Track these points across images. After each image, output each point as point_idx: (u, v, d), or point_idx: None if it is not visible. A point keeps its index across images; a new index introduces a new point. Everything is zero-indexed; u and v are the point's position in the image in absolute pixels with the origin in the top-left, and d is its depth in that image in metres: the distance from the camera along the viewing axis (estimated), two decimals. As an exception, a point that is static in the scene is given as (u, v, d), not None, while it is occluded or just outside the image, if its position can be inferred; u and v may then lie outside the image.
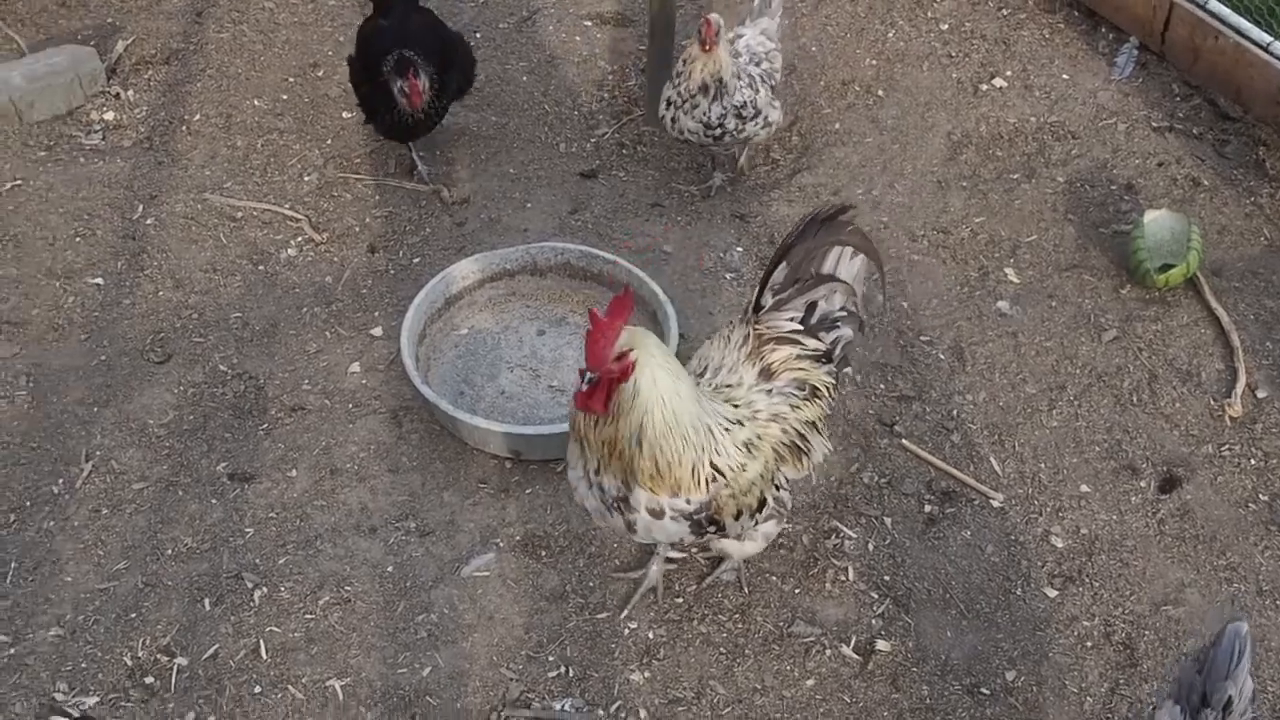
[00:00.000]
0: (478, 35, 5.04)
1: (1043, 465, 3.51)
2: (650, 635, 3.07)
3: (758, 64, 4.17)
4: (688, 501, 2.67)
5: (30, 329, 3.79)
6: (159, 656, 2.99)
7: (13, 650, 2.99)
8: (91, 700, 2.90)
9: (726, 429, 2.71)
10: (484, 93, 4.77)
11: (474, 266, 3.76)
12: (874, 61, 4.92)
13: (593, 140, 4.59)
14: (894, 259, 4.11)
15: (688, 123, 4.08)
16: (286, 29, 5.03)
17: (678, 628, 3.09)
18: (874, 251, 3.00)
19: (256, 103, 4.67)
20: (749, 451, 2.74)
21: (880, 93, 4.79)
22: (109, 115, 4.59)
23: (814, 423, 2.92)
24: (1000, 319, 3.94)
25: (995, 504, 3.41)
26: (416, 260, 4.06)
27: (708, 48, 3.93)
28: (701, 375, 2.88)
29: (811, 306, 2.92)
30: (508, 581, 3.17)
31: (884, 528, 3.35)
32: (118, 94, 4.67)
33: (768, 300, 2.88)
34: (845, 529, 3.33)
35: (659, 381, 2.54)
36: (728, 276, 4.04)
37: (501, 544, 3.25)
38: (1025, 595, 3.20)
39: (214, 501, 3.34)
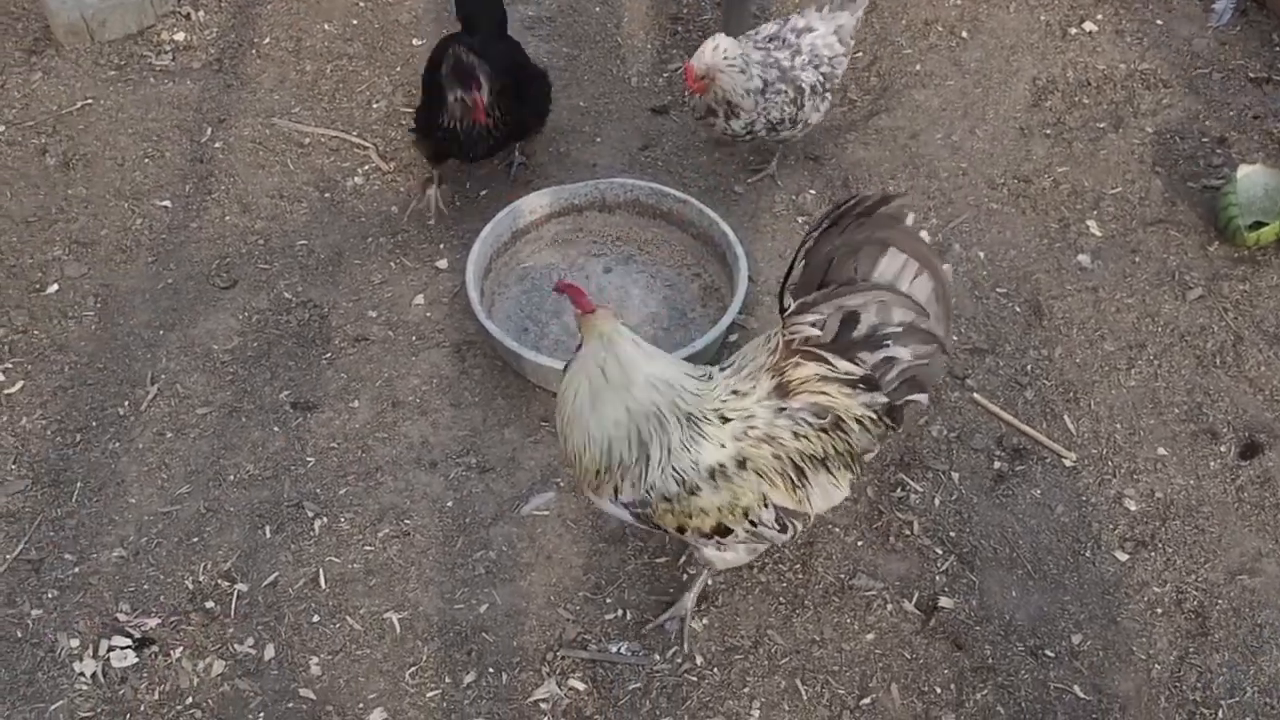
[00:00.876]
0: (549, -37, 4.93)
1: (1119, 426, 3.40)
2: (710, 582, 3.03)
3: (816, 67, 3.74)
4: (611, 501, 2.55)
5: (99, 249, 3.80)
6: (220, 581, 3.02)
7: (77, 569, 3.03)
8: (152, 622, 2.93)
9: (686, 447, 2.45)
10: (555, 23, 4.67)
11: (542, 201, 3.70)
12: (958, 1, 4.73)
13: (665, 75, 4.47)
14: (972, 207, 3.98)
15: (712, 131, 3.87)
16: (357, -48, 4.95)
17: (736, 575, 3.05)
18: (928, 257, 2.50)
19: (327, 27, 4.61)
20: (713, 479, 2.48)
21: (964, 34, 4.61)
22: (179, 36, 4.55)
23: (822, 459, 2.55)
24: (1080, 273, 3.80)
25: (1067, 463, 3.31)
26: (484, 192, 4.00)
27: (690, 93, 3.68)
28: (725, 369, 2.60)
29: (851, 318, 2.49)
30: (567, 522, 3.14)
31: (951, 483, 3.27)
32: (188, 14, 4.63)
33: (789, 302, 2.51)
34: (912, 483, 3.26)
35: (587, 368, 2.42)
36: (799, 220, 3.93)
37: (561, 483, 3.22)
38: (1095, 558, 3.12)
39: (276, 429, 3.34)
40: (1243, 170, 3.88)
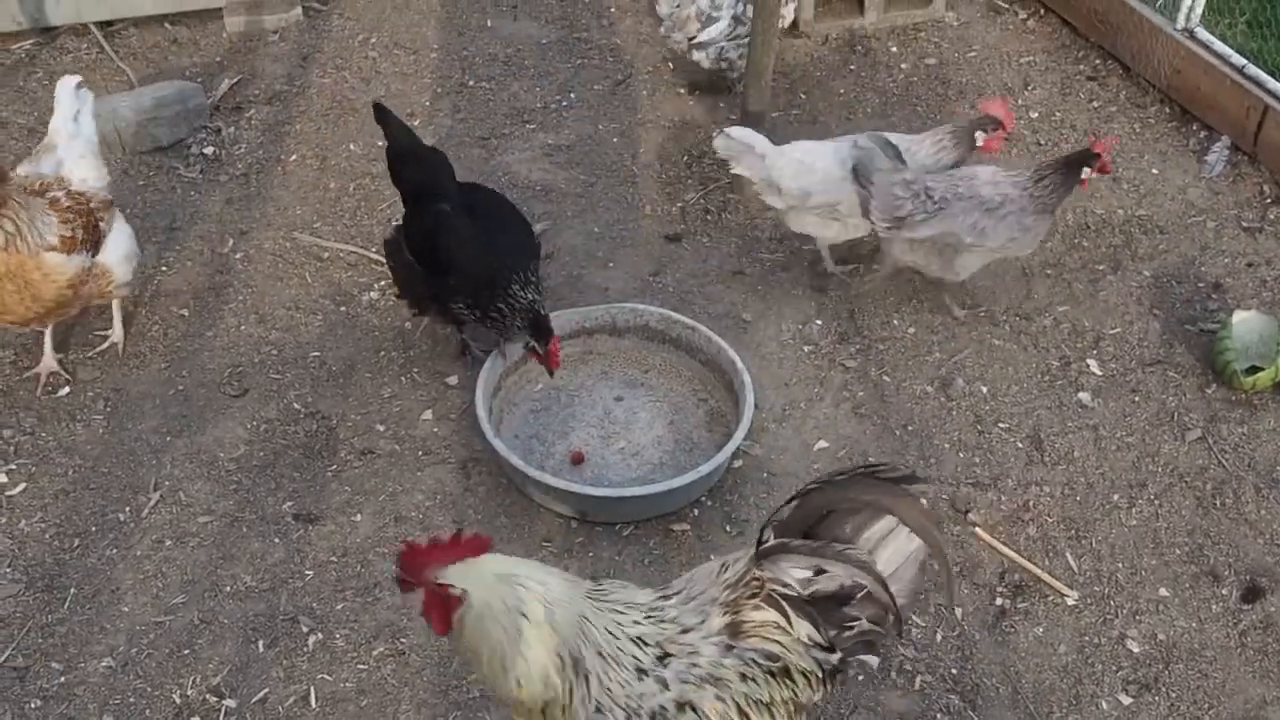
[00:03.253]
0: (572, 95, 5.12)
1: (1120, 565, 3.40)
2: (707, 712, 2.98)
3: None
4: None
5: (113, 355, 3.85)
6: (208, 696, 2.98)
7: (63, 679, 2.99)
8: (139, 737, 2.89)
9: (623, 686, 2.26)
10: (573, 151, 4.82)
11: (553, 323, 3.76)
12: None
13: (679, 205, 4.59)
14: (975, 343, 4.05)
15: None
16: (387, 78, 5.14)
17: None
18: (935, 537, 2.37)
19: (352, 147, 4.76)
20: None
21: (968, 175, 4.75)
22: (209, 150, 4.70)
23: (769, 704, 2.36)
24: (1081, 410, 3.84)
25: (1070, 602, 3.30)
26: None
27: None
28: (671, 596, 2.41)
29: (821, 574, 2.35)
30: (565, 644, 3.11)
31: (953, 618, 3.25)
32: (219, 130, 4.79)
33: (768, 536, 2.36)
34: (913, 616, 3.24)
35: (489, 633, 2.20)
36: (805, 349, 4.00)
37: (561, 605, 3.20)
38: (1098, 700, 3.08)
39: (276, 541, 3.34)
40: (1238, 316, 3.95)
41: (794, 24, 5.37)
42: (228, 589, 3.20)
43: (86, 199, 3.63)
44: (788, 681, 2.36)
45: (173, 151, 4.69)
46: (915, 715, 3.02)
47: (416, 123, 4.89)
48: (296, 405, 3.73)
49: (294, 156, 4.72)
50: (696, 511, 3.47)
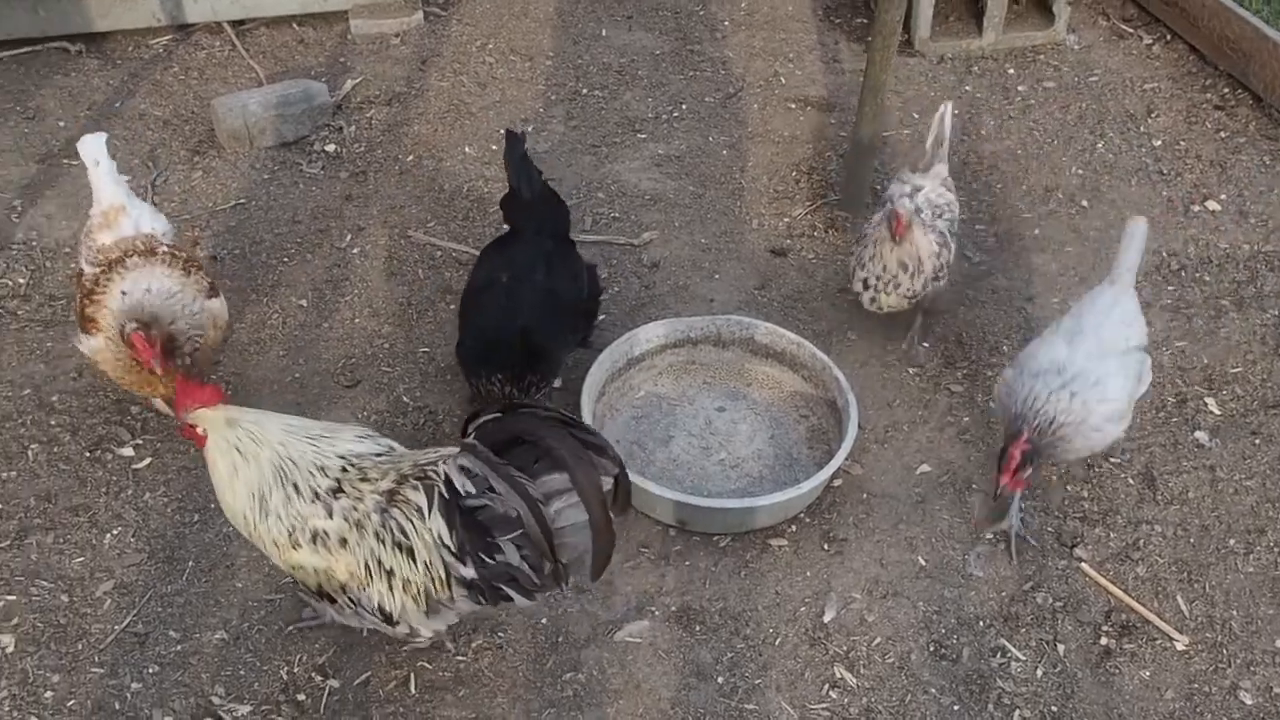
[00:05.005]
0: (683, 106, 5.15)
1: (1235, 612, 3.29)
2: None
3: (940, 215, 3.86)
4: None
5: (235, 339, 3.98)
6: (313, 675, 3.06)
7: (179, 647, 3.10)
8: (245, 709, 2.97)
9: (293, 507, 2.68)
10: (684, 162, 4.85)
11: (659, 331, 3.79)
12: (1080, 170, 4.80)
13: (786, 220, 4.59)
14: (1087, 374, 3.96)
15: (891, 300, 3.79)
16: (503, 84, 5.23)
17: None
18: (596, 509, 2.52)
19: (467, 150, 4.86)
20: (314, 541, 2.66)
21: (1084, 202, 4.66)
22: (330, 148, 4.84)
23: (390, 572, 2.64)
24: (1197, 450, 3.73)
25: (1179, 646, 3.20)
26: (602, 317, 4.12)
27: (898, 240, 3.67)
28: (382, 455, 2.76)
29: (488, 493, 2.56)
30: (659, 652, 3.13)
31: (1055, 654, 3.18)
32: (341, 128, 4.93)
33: (470, 432, 2.63)
34: (1014, 649, 3.17)
35: (217, 464, 2.74)
36: (910, 371, 3.95)
37: (656, 613, 3.22)
38: (1204, 750, 2.99)
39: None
40: (1371, 361, 3.81)
41: (908, 42, 5.34)
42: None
43: (181, 249, 3.55)
44: (412, 564, 2.65)
45: (296, 147, 4.84)
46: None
47: (530, 128, 4.98)
48: (405, 399, 3.82)
49: (411, 157, 4.83)
50: (794, 528, 3.46)
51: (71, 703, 2.97)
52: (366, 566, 2.67)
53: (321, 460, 2.71)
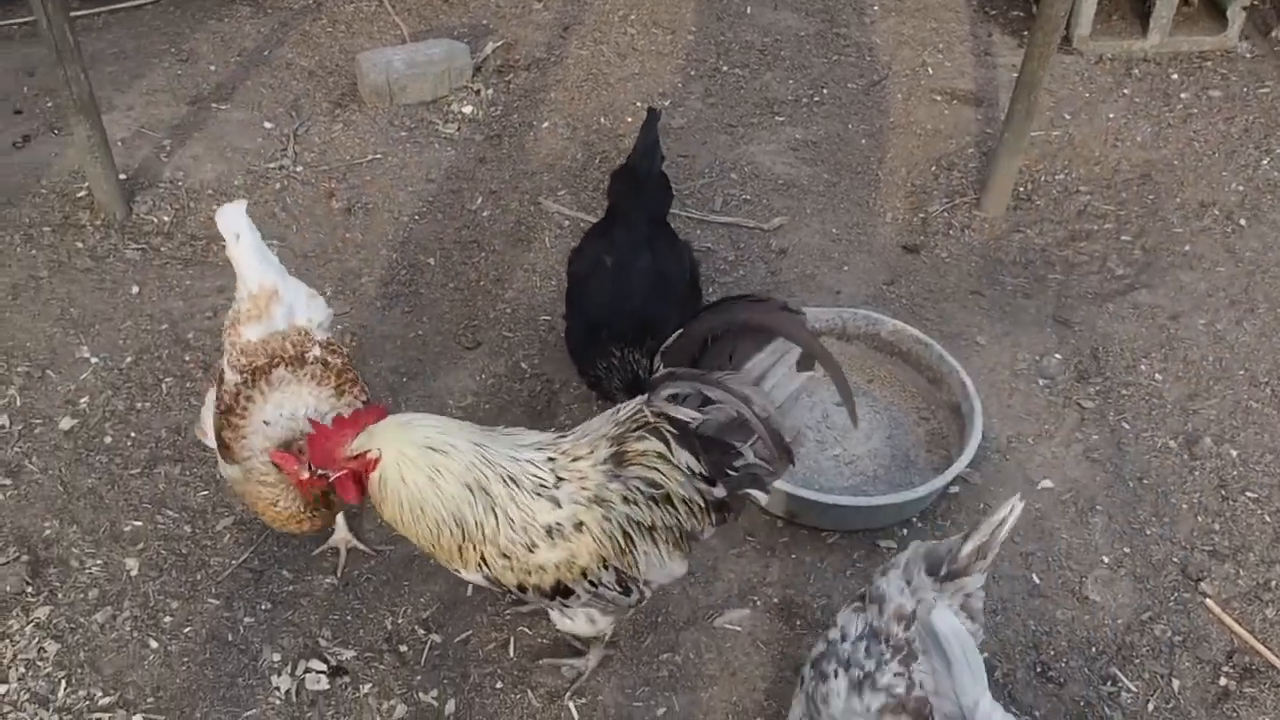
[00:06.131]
0: (824, 91, 5.05)
1: (1368, 667, 3.11)
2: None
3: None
4: (458, 571, 2.61)
5: (363, 293, 4.07)
6: (416, 628, 3.11)
7: (291, 587, 3.19)
8: (349, 654, 3.05)
9: (519, 508, 2.49)
10: (820, 148, 4.76)
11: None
12: (1240, 187, 4.56)
13: (921, 215, 4.47)
14: (1230, 402, 3.77)
15: None
16: (642, 55, 5.21)
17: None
18: (819, 348, 2.50)
19: (602, 120, 4.85)
20: (550, 536, 2.50)
21: (1242, 221, 4.43)
22: (467, 109, 4.89)
23: (650, 528, 2.54)
24: (1342, 492, 3.54)
25: (1303, 696, 3.05)
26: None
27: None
28: (566, 436, 2.62)
29: (708, 408, 2.48)
30: (758, 642, 3.10)
31: (1169, 690, 3.05)
32: (479, 91, 4.97)
33: (659, 366, 2.54)
34: (1125, 679, 3.06)
35: (406, 478, 2.46)
36: (1040, 382, 3.83)
37: (758, 602, 3.19)
38: (1322, 808, 2.84)
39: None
40: None
41: (1066, 39, 5.13)
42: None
43: (337, 346, 3.06)
44: (669, 508, 2.54)
45: (434, 107, 4.90)
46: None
47: (667, 103, 4.95)
48: (524, 365, 3.85)
49: (546, 124, 4.85)
50: (905, 531, 3.38)
51: (188, 629, 3.09)
52: (623, 535, 2.55)
53: (521, 453, 2.55)
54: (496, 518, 2.49)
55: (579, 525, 2.52)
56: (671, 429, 2.51)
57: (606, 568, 2.57)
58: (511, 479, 2.50)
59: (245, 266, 2.92)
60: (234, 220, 2.91)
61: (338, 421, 2.52)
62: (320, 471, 2.53)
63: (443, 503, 2.47)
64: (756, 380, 2.52)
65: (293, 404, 2.80)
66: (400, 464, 2.45)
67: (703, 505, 2.56)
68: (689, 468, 2.52)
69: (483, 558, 2.53)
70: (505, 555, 2.52)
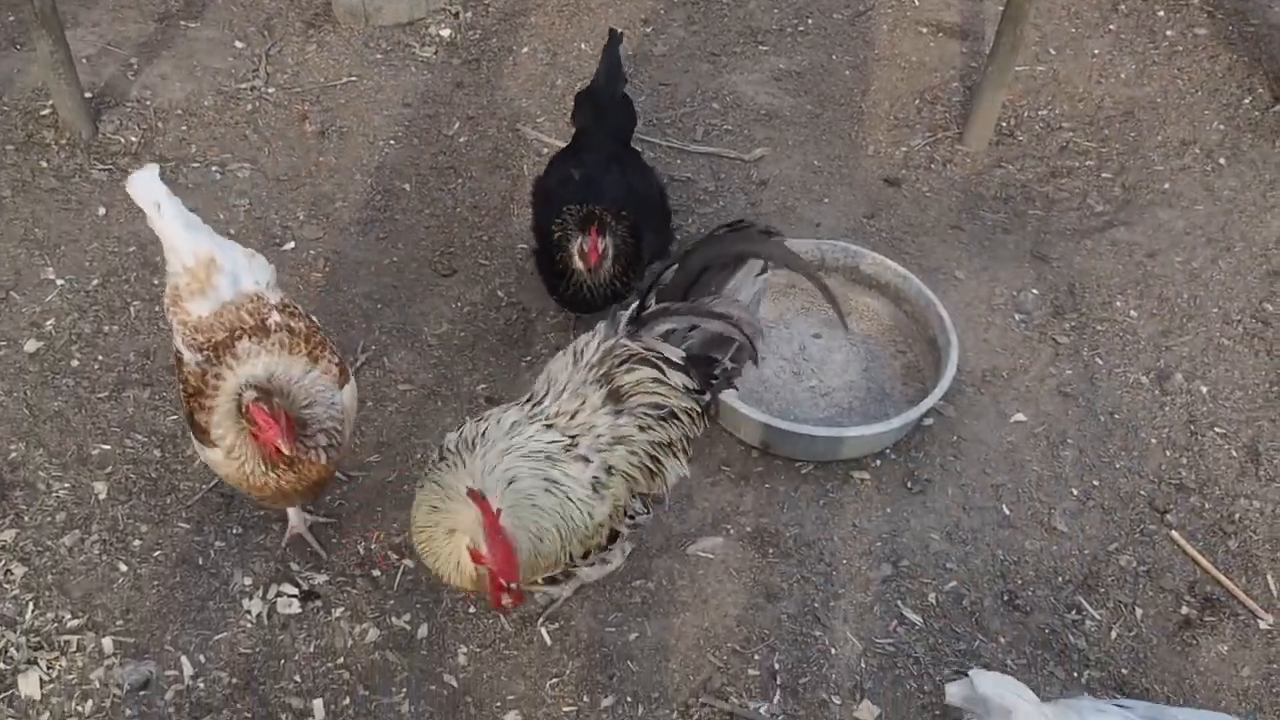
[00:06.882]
0: (809, 21, 4.98)
1: (1328, 600, 3.17)
2: (862, 665, 2.96)
3: None
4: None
5: (337, 218, 4.01)
6: (389, 554, 3.11)
7: (262, 512, 3.17)
8: (321, 578, 3.05)
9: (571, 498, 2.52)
10: (804, 79, 4.70)
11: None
12: (1222, 126, 4.54)
13: (903, 149, 4.43)
14: (1202, 339, 3.79)
15: None
16: (624, -20, 5.11)
17: (890, 660, 2.97)
18: (805, 265, 2.82)
19: (583, 46, 4.76)
20: (596, 491, 2.56)
21: (1222, 160, 4.42)
22: (445, 32, 4.79)
23: (669, 444, 2.68)
24: (1310, 430, 3.58)
25: (1263, 625, 3.10)
26: (704, 232, 4.05)
27: None
28: (540, 401, 2.63)
29: (694, 331, 2.69)
30: (730, 569, 3.12)
31: (1132, 618, 3.10)
32: (457, 13, 4.86)
33: (651, 302, 2.68)
34: (1090, 608, 3.11)
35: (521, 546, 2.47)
36: (1016, 317, 3.83)
37: (731, 531, 3.20)
38: (1277, 733, 2.91)
39: (468, 419, 3.42)
40: None
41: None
42: (418, 456, 3.32)
43: (294, 307, 2.85)
44: (677, 423, 2.68)
45: (411, 29, 4.79)
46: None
47: (649, 30, 4.86)
48: (500, 293, 3.81)
49: (525, 49, 4.76)
50: (879, 463, 3.40)
51: (158, 553, 3.07)
52: (650, 460, 2.64)
53: (530, 430, 2.57)
54: (565, 519, 2.54)
55: (609, 470, 2.59)
56: (664, 357, 2.65)
57: (635, 496, 2.67)
58: (552, 483, 2.52)
59: (173, 238, 2.74)
60: (149, 189, 2.72)
61: (491, 539, 2.37)
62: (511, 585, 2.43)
63: (534, 541, 2.51)
64: (736, 297, 2.68)
65: (265, 370, 2.63)
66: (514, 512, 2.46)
67: (699, 411, 2.75)
68: (684, 385, 2.67)
69: (570, 556, 2.60)
70: (601, 525, 2.61)
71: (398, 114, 4.41)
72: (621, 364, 2.63)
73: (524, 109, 4.48)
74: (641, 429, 2.63)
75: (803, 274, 2.80)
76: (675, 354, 2.66)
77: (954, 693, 2.26)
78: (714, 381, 2.76)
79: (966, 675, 2.24)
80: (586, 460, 2.57)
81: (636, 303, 2.74)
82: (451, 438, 2.63)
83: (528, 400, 2.68)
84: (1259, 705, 2.95)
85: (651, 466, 2.66)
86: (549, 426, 2.59)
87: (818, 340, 3.69)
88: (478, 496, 2.36)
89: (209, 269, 2.74)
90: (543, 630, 2.97)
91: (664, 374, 2.65)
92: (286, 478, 2.66)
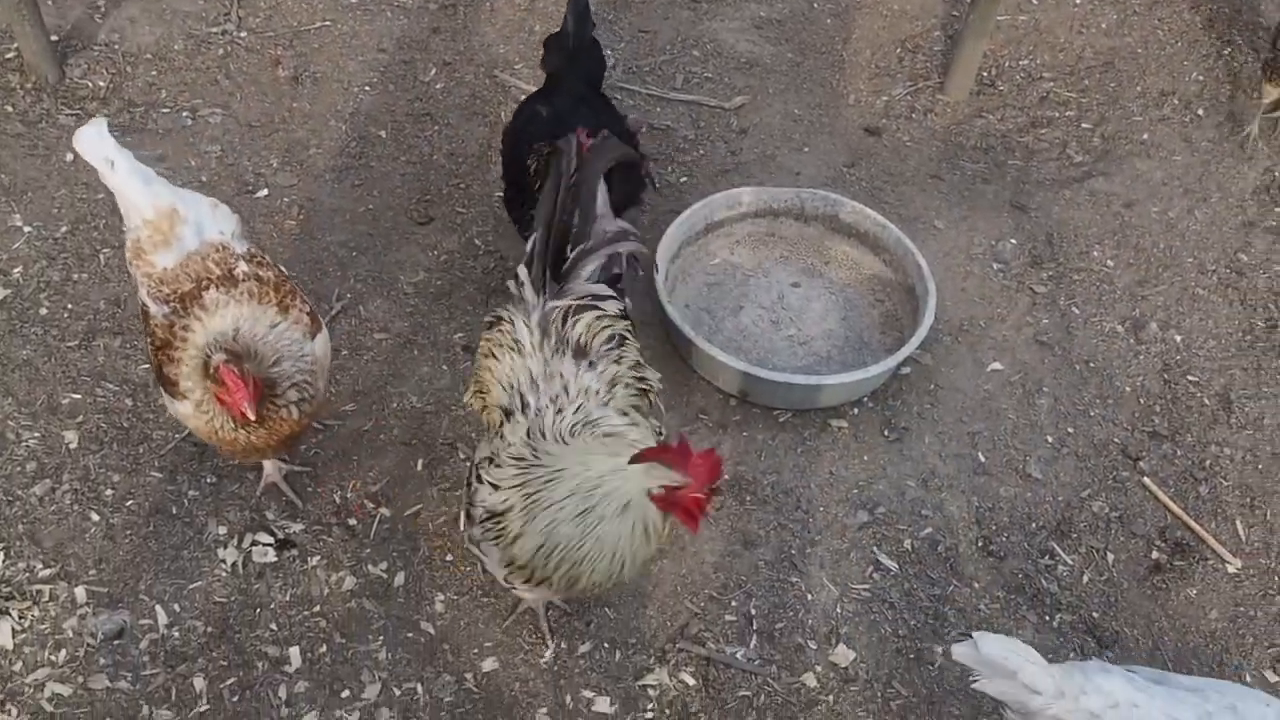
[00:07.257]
0: (789, -33, 4.91)
1: (1295, 544, 3.22)
2: (838, 611, 2.99)
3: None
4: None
5: (311, 165, 3.95)
6: (366, 502, 3.11)
7: (237, 461, 3.14)
8: (296, 527, 3.04)
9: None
10: (785, 26, 4.65)
11: (741, 198, 3.69)
12: (1201, 77, 4.53)
13: (884, 98, 4.40)
14: (1177, 288, 3.81)
15: None
16: (603, -76, 5.02)
17: (866, 606, 3.00)
18: (629, 152, 2.94)
19: (560, -8, 4.69)
20: (636, 426, 2.57)
21: (1200, 111, 4.41)
22: (420, -23, 4.70)
23: (638, 362, 2.71)
24: (1281, 378, 3.61)
25: (1231, 569, 3.15)
26: (684, 179, 4.02)
27: None
28: (524, 409, 2.53)
29: (612, 260, 2.71)
30: (708, 516, 3.13)
31: (1104, 563, 3.14)
32: (433, -43, 4.78)
33: (569, 255, 2.66)
34: (1062, 553, 3.14)
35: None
36: (995, 267, 3.83)
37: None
38: (1241, 671, 2.96)
39: (445, 368, 3.42)
40: None
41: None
42: (394, 405, 3.31)
43: (261, 256, 2.81)
44: (630, 342, 2.70)
45: (385, -26, 4.71)
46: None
47: (628, -24, 4.79)
48: (477, 242, 3.78)
49: (503, -5, 4.68)
50: (857, 411, 3.41)
51: (131, 503, 3.05)
52: (639, 381, 2.67)
53: (543, 421, 2.53)
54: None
55: (624, 413, 2.58)
56: (592, 294, 2.66)
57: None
58: (597, 492, 2.38)
59: (131, 192, 2.67)
60: (98, 144, 2.63)
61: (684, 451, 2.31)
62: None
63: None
64: (606, 211, 2.73)
65: (234, 321, 2.58)
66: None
67: (633, 323, 2.77)
68: (619, 310, 2.69)
69: None
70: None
71: (373, 59, 4.34)
72: (566, 320, 2.61)
73: (502, 55, 4.42)
74: (618, 361, 2.64)
75: (631, 157, 2.92)
76: (601, 288, 2.67)
77: (959, 653, 2.27)
78: (621, 287, 2.80)
79: (970, 636, 2.24)
80: (605, 408, 2.54)
81: (531, 270, 2.68)
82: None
83: (511, 418, 2.56)
84: (1225, 647, 3.00)
85: (640, 388, 2.68)
86: (558, 412, 2.52)
87: (796, 289, 3.68)
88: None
89: (171, 220, 2.68)
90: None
91: (601, 308, 2.66)
92: (257, 434, 2.63)
